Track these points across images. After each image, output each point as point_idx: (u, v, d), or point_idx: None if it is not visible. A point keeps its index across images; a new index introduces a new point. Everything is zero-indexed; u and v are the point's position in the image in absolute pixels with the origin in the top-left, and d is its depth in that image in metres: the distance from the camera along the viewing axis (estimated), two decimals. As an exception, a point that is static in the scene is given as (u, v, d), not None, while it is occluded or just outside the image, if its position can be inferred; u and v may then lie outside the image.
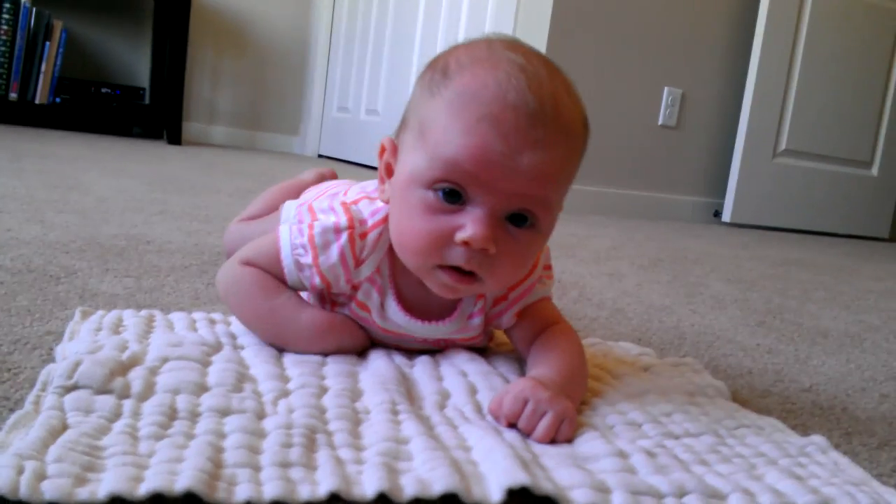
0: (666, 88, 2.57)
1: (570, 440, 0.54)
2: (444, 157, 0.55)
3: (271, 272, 0.65)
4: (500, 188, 0.55)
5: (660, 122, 2.59)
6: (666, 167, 2.65)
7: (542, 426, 0.53)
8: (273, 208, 1.01)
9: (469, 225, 0.55)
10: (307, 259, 0.64)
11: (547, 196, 0.57)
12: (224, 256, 0.98)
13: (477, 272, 0.57)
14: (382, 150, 0.64)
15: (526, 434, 0.54)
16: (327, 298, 0.68)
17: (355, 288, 0.65)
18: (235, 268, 0.66)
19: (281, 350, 0.65)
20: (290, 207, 0.89)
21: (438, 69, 0.58)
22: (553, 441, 0.53)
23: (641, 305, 1.11)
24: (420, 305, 0.66)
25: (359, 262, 0.64)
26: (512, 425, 0.54)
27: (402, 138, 0.61)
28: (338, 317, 0.66)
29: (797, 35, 2.63)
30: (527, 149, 0.54)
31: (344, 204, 0.66)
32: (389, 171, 0.63)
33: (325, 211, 0.65)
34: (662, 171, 2.65)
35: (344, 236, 0.63)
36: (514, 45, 0.58)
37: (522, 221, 0.57)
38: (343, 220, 0.64)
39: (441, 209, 0.56)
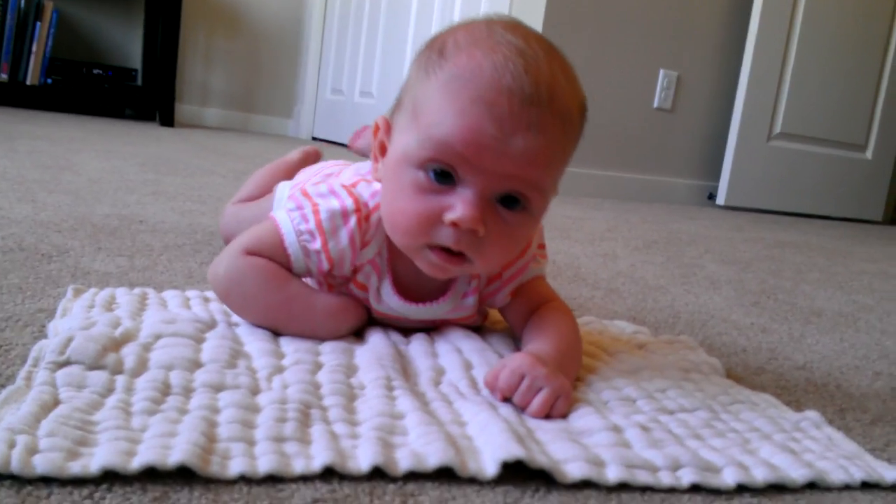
0: (661, 71, 2.56)
1: (564, 416, 0.54)
2: (435, 138, 0.54)
3: (275, 260, 0.63)
4: (491, 170, 0.54)
5: (655, 105, 2.58)
6: (661, 150, 2.65)
7: (538, 402, 0.53)
8: (266, 190, 1.01)
9: (458, 205, 0.55)
10: (315, 245, 0.62)
11: (538, 179, 0.56)
12: (222, 241, 0.97)
13: (466, 253, 0.57)
14: (377, 129, 0.63)
15: (521, 409, 0.54)
16: (324, 282, 0.67)
17: (356, 270, 0.65)
18: (237, 259, 0.63)
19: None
20: (283, 189, 0.88)
21: (435, 49, 0.58)
22: (548, 417, 0.53)
23: (636, 285, 1.11)
24: (415, 288, 0.66)
25: (364, 245, 0.64)
26: (507, 399, 0.54)
27: (396, 118, 0.61)
28: (347, 298, 0.65)
29: (793, 18, 2.62)
30: (519, 132, 0.53)
31: (345, 187, 0.65)
32: (383, 150, 0.62)
33: (325, 195, 0.64)
34: (657, 154, 2.64)
35: (353, 220, 0.63)
36: (514, 27, 0.58)
37: (514, 204, 0.57)
38: (349, 202, 0.63)
39: (431, 189, 0.56)
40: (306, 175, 0.89)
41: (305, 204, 0.63)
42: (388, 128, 0.62)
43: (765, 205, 2.74)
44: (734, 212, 2.63)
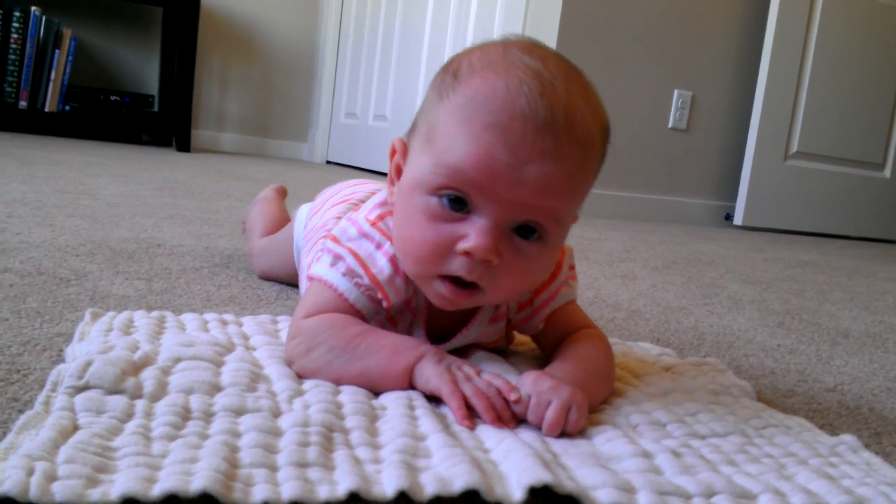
0: (676, 91, 2.56)
1: (581, 429, 0.52)
2: (448, 164, 0.53)
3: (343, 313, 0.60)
4: (505, 199, 0.52)
5: (670, 125, 2.58)
6: (676, 170, 2.63)
7: (549, 414, 0.51)
8: (281, 221, 1.03)
9: (472, 235, 0.53)
10: (365, 280, 0.60)
11: (555, 209, 0.54)
12: (258, 277, 0.98)
13: (479, 283, 0.55)
14: (393, 151, 0.61)
15: (536, 426, 0.52)
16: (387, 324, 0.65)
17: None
18: (302, 323, 0.60)
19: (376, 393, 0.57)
20: (303, 210, 0.89)
21: (450, 72, 0.56)
22: (565, 432, 0.52)
23: (658, 307, 1.10)
24: (444, 325, 0.65)
25: (404, 276, 0.61)
26: (522, 421, 0.53)
27: (411, 140, 0.59)
28: (409, 337, 0.62)
29: (808, 37, 2.61)
30: (534, 160, 0.51)
31: (374, 225, 0.62)
32: (399, 173, 0.61)
33: (356, 239, 0.62)
34: (673, 175, 2.63)
35: (387, 245, 0.61)
36: (531, 48, 0.56)
37: (530, 234, 0.55)
38: (376, 235, 0.61)
39: (445, 217, 0.54)
40: (326, 195, 0.88)
41: (341, 251, 0.61)
42: (405, 150, 0.60)
43: (783, 225, 2.71)
44: (752, 232, 2.60)
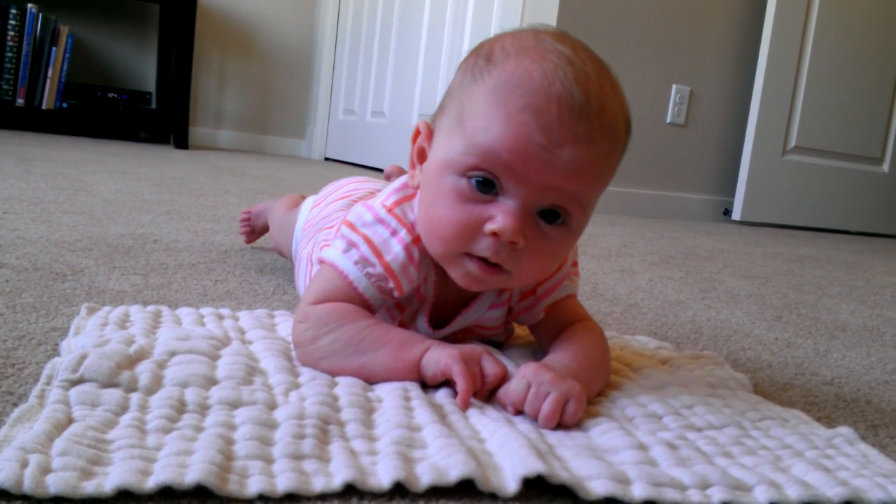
0: (674, 86, 2.55)
1: (577, 422, 0.52)
2: (481, 145, 0.53)
3: (352, 303, 0.60)
4: (535, 181, 0.53)
5: (668, 121, 2.57)
6: (675, 165, 2.63)
7: (546, 406, 0.51)
8: (295, 201, 1.03)
9: (500, 216, 0.53)
10: (377, 269, 0.60)
11: (582, 193, 0.55)
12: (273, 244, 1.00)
13: (503, 265, 0.56)
14: (416, 133, 0.61)
15: (533, 417, 0.52)
16: (395, 316, 0.65)
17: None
18: (313, 310, 0.60)
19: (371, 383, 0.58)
20: (308, 203, 0.89)
21: (483, 55, 0.56)
22: (561, 424, 0.52)
23: (655, 301, 1.10)
24: (445, 314, 0.65)
25: (417, 266, 0.61)
26: (520, 412, 0.53)
27: (438, 122, 0.59)
28: (414, 333, 0.62)
29: (805, 31, 2.61)
30: (567, 143, 0.52)
31: (390, 211, 0.62)
32: (422, 156, 0.61)
33: (372, 224, 0.61)
34: (671, 170, 2.63)
35: (403, 232, 0.61)
36: (562, 37, 0.56)
37: (554, 218, 0.55)
38: (392, 221, 0.61)
39: (473, 198, 0.54)
40: (330, 189, 0.88)
41: (355, 238, 0.61)
42: (430, 133, 0.60)
43: (781, 219, 2.71)
44: (750, 227, 2.60)
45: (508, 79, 0.53)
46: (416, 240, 0.61)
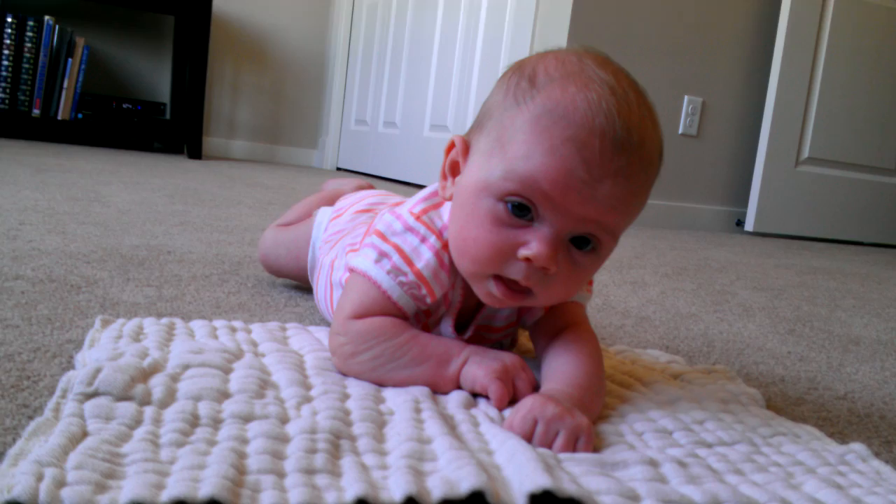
0: (686, 97, 2.55)
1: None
2: (521, 173, 0.53)
3: (387, 313, 0.62)
4: (572, 213, 0.54)
5: (680, 132, 2.57)
6: (687, 176, 2.63)
7: (557, 448, 0.51)
8: (307, 215, 1.00)
9: (534, 243, 0.54)
10: (410, 277, 0.61)
11: (615, 224, 0.56)
12: (260, 264, 0.96)
13: (532, 288, 0.57)
14: (451, 146, 0.62)
15: None
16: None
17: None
18: (353, 325, 0.61)
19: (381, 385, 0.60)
20: (324, 213, 0.88)
21: (525, 76, 0.56)
22: None
23: (667, 313, 1.09)
24: (465, 318, 0.66)
25: (448, 269, 0.62)
26: None
27: (476, 139, 0.59)
28: (453, 341, 0.63)
29: (818, 42, 2.60)
30: (607, 178, 0.52)
31: (419, 219, 0.63)
32: (454, 169, 0.61)
33: (401, 233, 0.62)
34: (683, 181, 2.62)
35: (432, 238, 0.62)
36: (604, 63, 0.56)
37: (585, 244, 0.56)
38: (421, 228, 0.62)
39: (508, 222, 0.55)
40: (348, 201, 0.88)
41: (386, 248, 0.62)
42: (466, 148, 0.60)
43: (794, 231, 2.70)
44: (763, 238, 2.59)
45: (553, 108, 0.53)
46: (445, 245, 0.62)
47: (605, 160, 0.52)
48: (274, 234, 0.98)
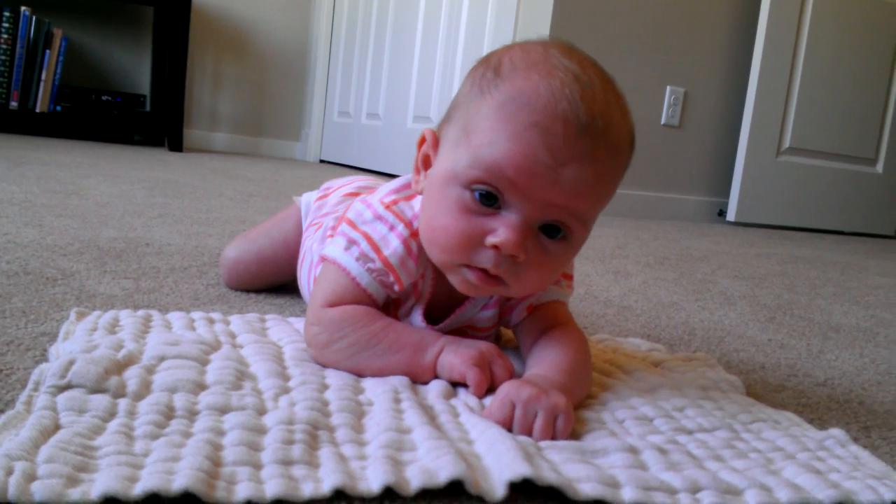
0: (668, 87, 2.56)
1: (569, 434, 0.52)
2: (486, 160, 0.54)
3: (359, 302, 0.61)
4: (538, 198, 0.54)
5: (662, 122, 2.58)
6: (669, 167, 2.64)
7: (537, 428, 0.51)
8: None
9: (501, 230, 0.54)
10: (377, 265, 0.61)
11: (584, 210, 0.56)
12: (227, 279, 0.90)
13: (503, 277, 0.57)
14: (422, 140, 0.62)
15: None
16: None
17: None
18: (327, 313, 0.61)
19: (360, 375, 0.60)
20: (309, 196, 0.87)
21: (491, 67, 0.57)
22: (553, 439, 0.51)
23: (649, 302, 1.10)
24: (440, 310, 0.66)
25: (416, 258, 0.62)
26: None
27: (444, 132, 0.60)
28: (427, 331, 0.63)
29: (799, 32, 2.62)
30: (572, 161, 0.53)
31: (389, 208, 0.63)
32: (426, 163, 0.62)
33: (371, 221, 0.62)
34: (665, 171, 2.63)
35: (400, 227, 0.62)
36: (569, 52, 0.57)
37: (555, 233, 0.56)
38: (390, 217, 0.62)
39: (475, 210, 0.55)
40: (337, 183, 0.87)
41: (355, 236, 0.62)
42: (436, 141, 0.61)
43: (775, 220, 2.72)
44: (745, 228, 2.61)
45: (516, 95, 0.53)
46: (414, 234, 0.62)
47: (569, 144, 0.52)
48: (243, 236, 0.94)
